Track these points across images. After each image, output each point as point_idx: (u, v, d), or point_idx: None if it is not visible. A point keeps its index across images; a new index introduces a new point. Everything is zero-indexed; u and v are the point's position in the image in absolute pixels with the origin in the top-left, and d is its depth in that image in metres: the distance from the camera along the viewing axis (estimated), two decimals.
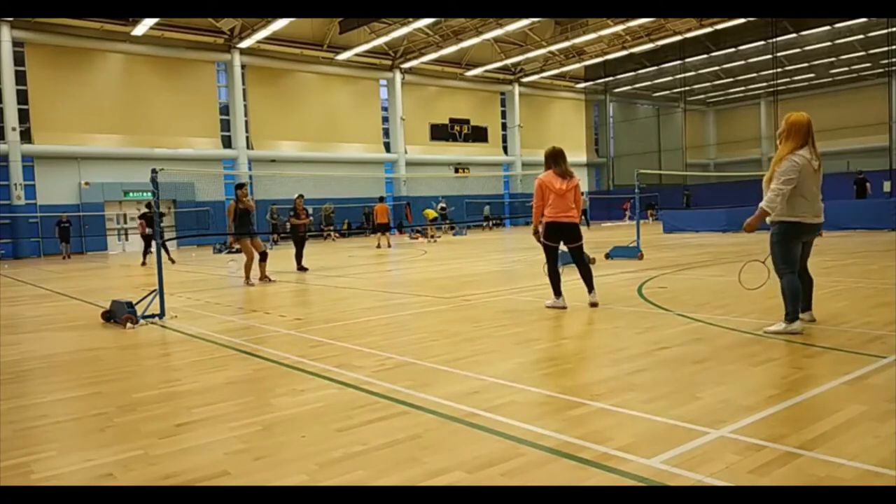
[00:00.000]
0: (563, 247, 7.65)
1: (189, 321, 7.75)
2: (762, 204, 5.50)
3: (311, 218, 20.07)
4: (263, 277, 12.01)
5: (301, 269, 14.08)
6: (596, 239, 21.31)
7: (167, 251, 19.58)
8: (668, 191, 37.55)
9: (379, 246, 22.60)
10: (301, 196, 14.70)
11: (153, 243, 19.75)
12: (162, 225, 19.04)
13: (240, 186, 12.15)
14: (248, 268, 11.95)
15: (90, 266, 19.25)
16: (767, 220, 5.58)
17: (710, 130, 52.84)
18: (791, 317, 5.52)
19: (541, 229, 7.53)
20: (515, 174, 40.29)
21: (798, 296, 5.55)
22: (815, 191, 5.47)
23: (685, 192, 35.61)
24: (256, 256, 11.96)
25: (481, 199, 37.73)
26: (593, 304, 7.43)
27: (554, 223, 7.38)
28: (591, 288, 7.55)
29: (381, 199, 23.91)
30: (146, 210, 19.57)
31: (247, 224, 12.05)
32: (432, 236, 26.62)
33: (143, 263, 18.49)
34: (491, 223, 37.44)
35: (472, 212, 38.16)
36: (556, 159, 7.48)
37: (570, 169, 7.52)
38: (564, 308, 7.40)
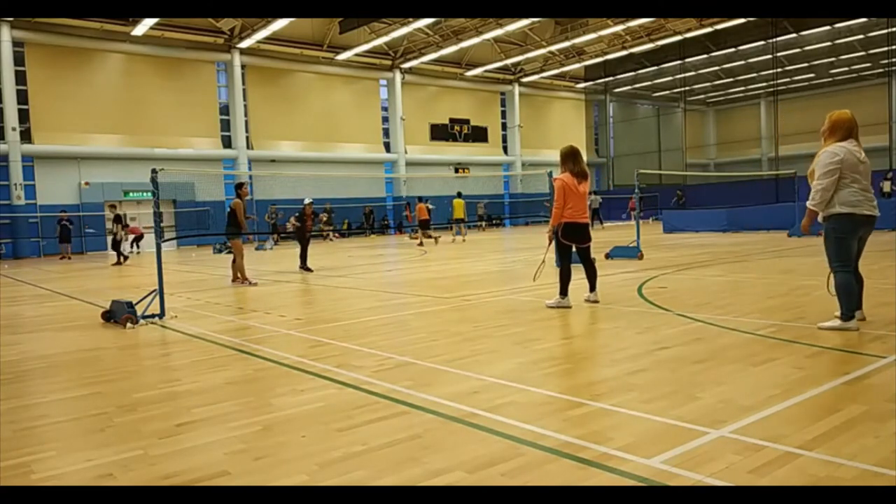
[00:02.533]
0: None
1: (189, 321, 7.75)
2: (808, 203, 5.41)
3: (325, 216, 20.77)
4: (237, 279, 12.02)
5: (305, 269, 14.07)
6: (596, 239, 21.30)
7: (120, 251, 19.79)
8: (669, 191, 37.49)
9: (421, 244, 23.11)
10: (311, 203, 15.14)
11: (123, 245, 20.19)
12: (121, 229, 19.15)
13: (240, 186, 12.19)
14: (241, 267, 11.95)
15: (90, 266, 19.25)
16: (819, 217, 5.44)
17: (710, 130, 52.80)
18: (846, 315, 5.41)
19: (557, 230, 7.57)
20: (515, 174, 40.26)
21: (853, 294, 5.42)
22: (864, 182, 5.32)
23: (678, 192, 35.08)
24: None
25: (478, 199, 37.53)
26: (591, 301, 7.64)
27: (572, 224, 7.45)
28: (592, 287, 7.76)
29: (420, 199, 25.08)
30: (116, 213, 20.00)
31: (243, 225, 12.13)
32: (428, 236, 26.36)
33: (121, 262, 19.26)
34: (484, 223, 35.89)
35: (470, 212, 38.09)
36: (574, 158, 7.57)
37: (586, 168, 7.64)
38: (569, 308, 7.43)
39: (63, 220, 24.60)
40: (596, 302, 7.64)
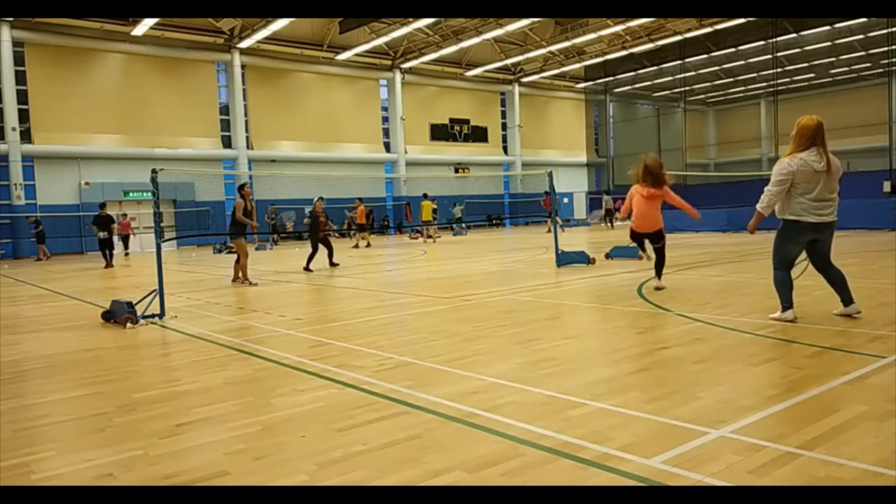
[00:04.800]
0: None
1: (189, 321, 7.75)
2: (757, 206, 5.71)
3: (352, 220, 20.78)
4: (237, 279, 12.02)
5: (307, 269, 14.09)
6: (596, 239, 21.32)
7: (111, 255, 18.98)
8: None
9: (363, 245, 23.57)
10: (321, 199, 15.17)
11: (125, 244, 19.24)
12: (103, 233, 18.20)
13: (241, 187, 12.17)
14: (244, 267, 11.94)
15: (89, 266, 19.23)
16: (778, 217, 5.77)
17: (710, 130, 52.74)
18: (784, 305, 5.86)
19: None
20: (515, 174, 40.27)
21: (785, 288, 5.85)
22: (818, 191, 5.51)
23: None
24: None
25: (470, 199, 37.36)
26: (657, 288, 8.44)
27: (634, 231, 8.85)
28: (658, 275, 8.70)
29: (360, 200, 25.04)
30: (101, 213, 19.00)
31: (246, 224, 12.08)
32: (430, 236, 26.44)
33: (110, 265, 18.46)
34: (457, 227, 32.70)
35: (471, 211, 38.10)
36: (650, 173, 8.46)
37: (660, 180, 8.47)
38: (663, 288, 8.44)
39: (34, 221, 24.36)
40: (659, 288, 8.42)
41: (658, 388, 4.13)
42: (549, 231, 21.94)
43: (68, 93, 27.61)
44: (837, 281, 5.90)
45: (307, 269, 13.99)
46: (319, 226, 14.82)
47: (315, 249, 14.36)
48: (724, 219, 22.61)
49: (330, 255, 14.62)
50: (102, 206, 19.67)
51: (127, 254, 24.82)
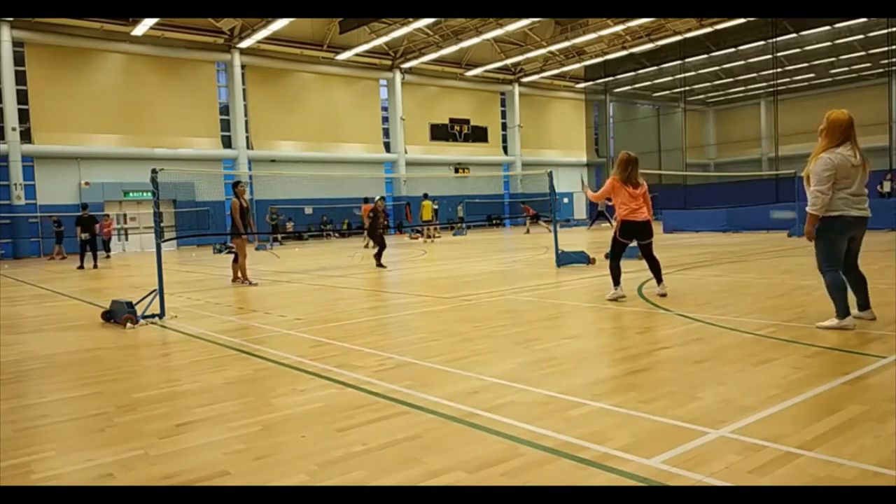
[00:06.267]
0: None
1: (189, 321, 7.75)
2: (808, 208, 5.54)
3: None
4: (237, 279, 12.01)
5: (380, 265, 14.24)
6: (596, 239, 21.31)
7: (95, 256, 18.76)
8: (669, 191, 37.48)
9: (367, 246, 23.28)
10: (383, 198, 15.47)
11: (105, 246, 18.82)
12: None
13: (235, 185, 12.10)
14: (242, 267, 11.92)
15: (89, 266, 19.20)
16: None
17: (710, 130, 52.74)
18: (842, 313, 5.53)
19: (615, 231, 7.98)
20: (515, 174, 40.27)
21: (844, 291, 5.54)
22: (856, 186, 5.46)
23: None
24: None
25: (470, 199, 37.29)
26: (662, 295, 7.85)
27: (629, 222, 7.77)
28: (659, 280, 8.03)
29: (366, 200, 24.61)
30: (83, 213, 18.53)
31: (245, 223, 12.02)
32: (429, 236, 26.40)
33: (82, 266, 18.26)
34: (456, 227, 31.88)
35: (471, 211, 38.08)
36: (624, 166, 7.81)
37: (638, 179, 7.88)
38: (623, 297, 7.70)
39: (55, 220, 24.30)
40: (664, 295, 7.84)
41: (658, 388, 4.13)
42: (550, 231, 21.90)
43: (68, 93, 27.60)
44: (860, 284, 5.80)
45: (379, 265, 14.15)
46: (379, 221, 15.11)
47: (382, 244, 14.58)
48: (724, 219, 22.61)
49: (379, 254, 14.73)
50: (84, 206, 19.22)
51: (108, 255, 24.23)
